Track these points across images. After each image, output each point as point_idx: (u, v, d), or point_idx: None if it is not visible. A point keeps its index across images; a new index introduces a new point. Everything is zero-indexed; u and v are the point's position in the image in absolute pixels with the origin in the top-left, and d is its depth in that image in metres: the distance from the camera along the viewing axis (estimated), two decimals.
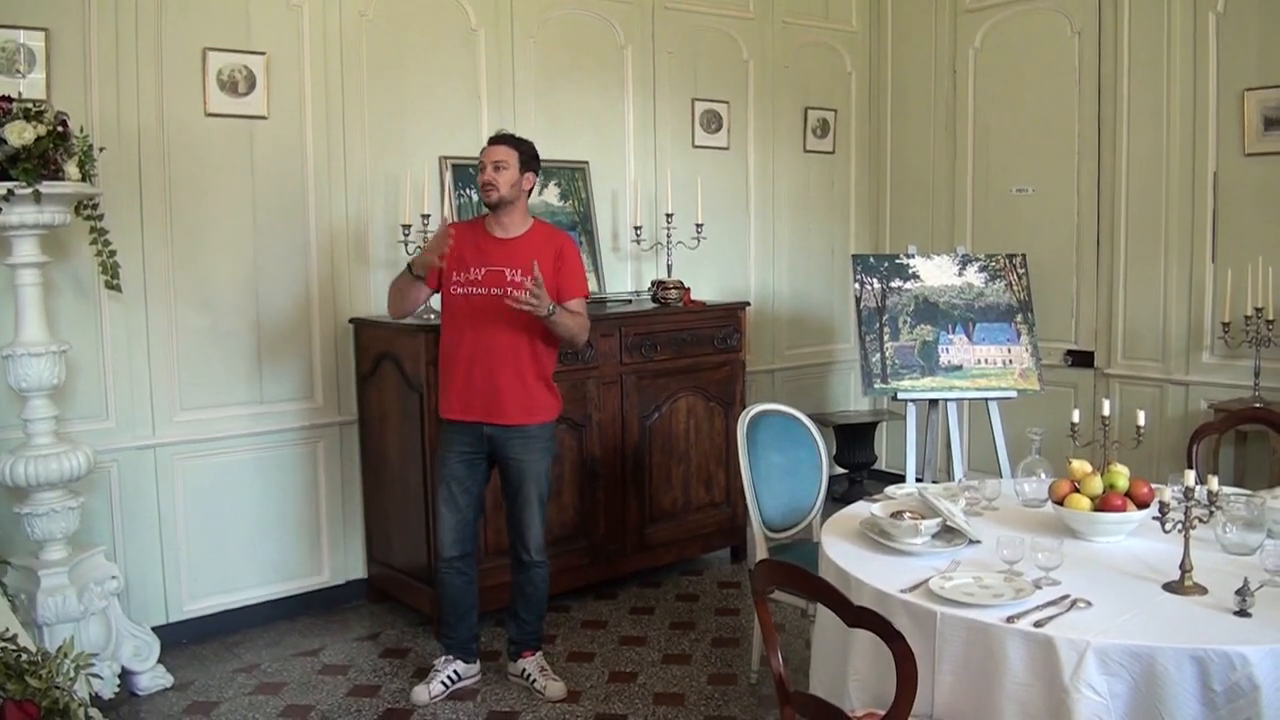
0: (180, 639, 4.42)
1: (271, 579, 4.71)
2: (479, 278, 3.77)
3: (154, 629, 4.14)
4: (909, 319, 4.93)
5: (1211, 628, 2.35)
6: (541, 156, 5.23)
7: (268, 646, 4.49)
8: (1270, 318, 4.72)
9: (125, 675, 3.96)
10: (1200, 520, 2.62)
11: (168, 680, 4.07)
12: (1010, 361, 4.88)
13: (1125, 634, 2.32)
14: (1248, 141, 4.97)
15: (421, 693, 3.92)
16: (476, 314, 3.76)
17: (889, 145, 6.65)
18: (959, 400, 4.98)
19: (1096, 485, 3.00)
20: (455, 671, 3.99)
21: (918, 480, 4.73)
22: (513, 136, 3.88)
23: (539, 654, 4.08)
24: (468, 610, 4.01)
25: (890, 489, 3.53)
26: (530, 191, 3.92)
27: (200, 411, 4.48)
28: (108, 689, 3.80)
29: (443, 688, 3.94)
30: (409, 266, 3.78)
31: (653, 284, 5.36)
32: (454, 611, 4.00)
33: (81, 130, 3.68)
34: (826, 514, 3.53)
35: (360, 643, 4.52)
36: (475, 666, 4.07)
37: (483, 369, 3.77)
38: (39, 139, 3.44)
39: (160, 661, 4.07)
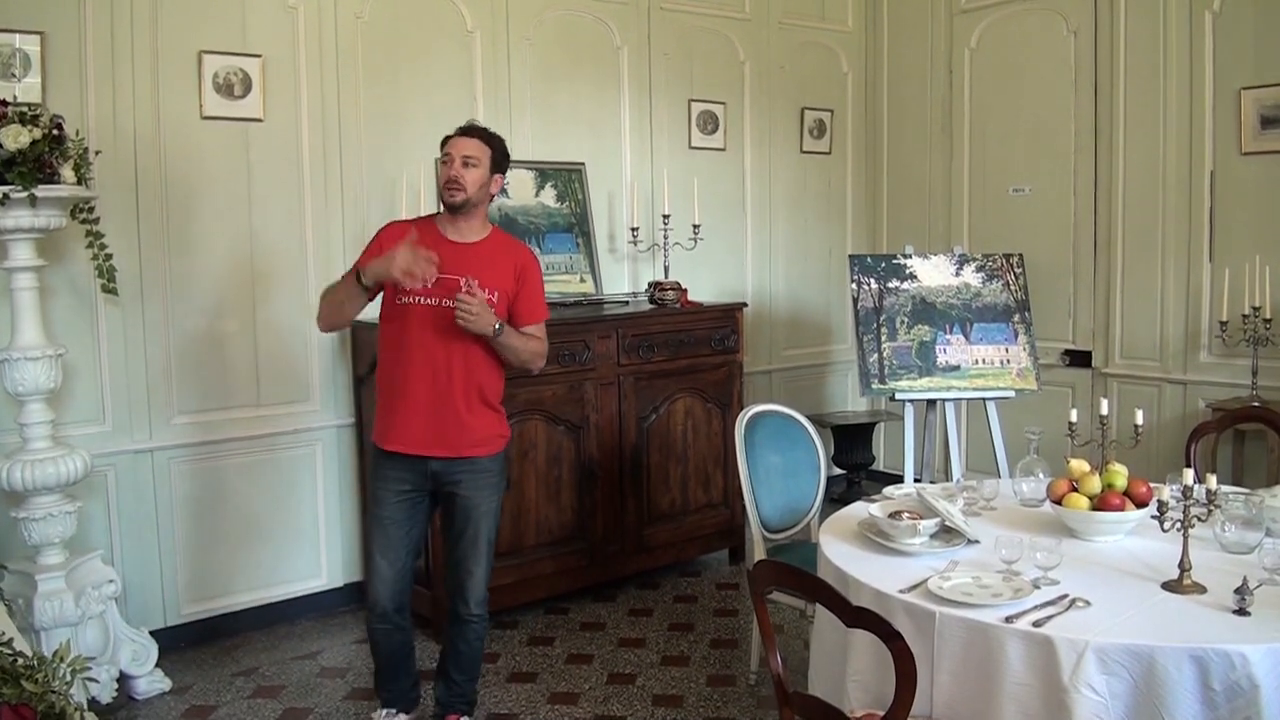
0: (178, 643, 4.41)
1: (269, 582, 4.70)
2: (429, 284, 3.27)
3: (152, 633, 4.13)
4: (906, 319, 4.93)
5: (1211, 627, 2.35)
6: (537, 158, 5.30)
7: (266, 650, 4.48)
8: (1268, 317, 4.72)
9: (123, 679, 3.95)
10: (1199, 519, 2.61)
11: (166, 684, 4.07)
12: (1008, 361, 4.88)
13: (1124, 633, 2.32)
14: (1244, 140, 4.97)
15: None
16: (426, 328, 3.30)
17: (885, 145, 6.65)
18: (957, 400, 4.98)
19: (1095, 484, 2.99)
20: None
21: (916, 480, 4.73)
22: (486, 130, 3.43)
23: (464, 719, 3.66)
24: (405, 659, 3.62)
25: (888, 489, 3.53)
26: (495, 196, 3.50)
27: (197, 415, 4.47)
28: (106, 693, 3.79)
29: None
30: (357, 275, 3.25)
31: (650, 285, 5.36)
32: (390, 666, 3.59)
33: (77, 134, 3.67)
34: (825, 515, 3.53)
35: (359, 645, 4.50)
36: (416, 712, 3.69)
37: (434, 393, 3.33)
38: (34, 142, 3.43)
39: (158, 665, 4.06)
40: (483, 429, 3.42)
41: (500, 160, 3.41)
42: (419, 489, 3.44)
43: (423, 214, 4.63)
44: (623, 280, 5.70)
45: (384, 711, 3.64)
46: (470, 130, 3.41)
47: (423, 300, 3.30)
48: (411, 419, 3.36)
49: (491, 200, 3.50)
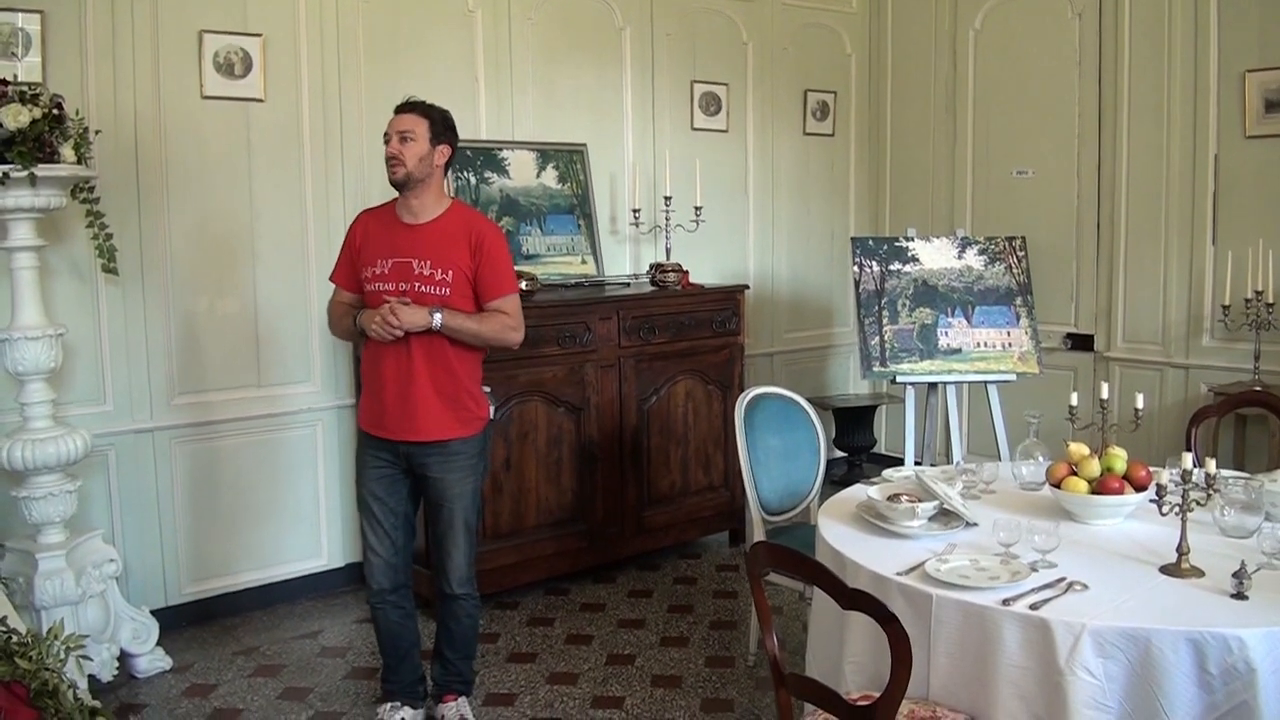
0: (179, 622, 4.43)
1: (270, 562, 4.72)
2: (385, 271, 3.33)
3: (153, 612, 4.15)
4: (908, 302, 4.92)
5: (1208, 610, 2.35)
6: (539, 139, 5.29)
7: (267, 629, 4.50)
8: (1270, 301, 4.70)
9: (124, 658, 3.97)
10: (1198, 503, 2.61)
11: (166, 663, 4.09)
12: (1009, 344, 4.87)
13: (1121, 617, 2.32)
14: (1249, 124, 4.95)
15: None
16: None
17: (889, 127, 6.62)
18: (958, 383, 4.97)
19: (1094, 468, 2.99)
20: (403, 719, 3.57)
21: (917, 463, 4.73)
22: (422, 104, 3.39)
23: (461, 700, 3.63)
24: (409, 649, 3.58)
25: (887, 472, 3.52)
26: (447, 168, 3.44)
27: (198, 395, 4.48)
28: (106, 671, 3.81)
29: None
30: (355, 320, 3.39)
31: (651, 267, 5.35)
32: (394, 652, 3.56)
33: (77, 113, 3.66)
34: (825, 497, 3.53)
35: (359, 625, 4.52)
36: (422, 711, 3.64)
37: (394, 377, 3.34)
38: (34, 122, 3.43)
39: (159, 644, 4.09)
40: (452, 412, 3.39)
41: (441, 131, 3.37)
42: (396, 467, 3.45)
43: None
44: (624, 262, 5.69)
45: (387, 705, 3.59)
46: (405, 106, 3.39)
47: (381, 286, 3.34)
48: (380, 403, 3.40)
49: (446, 173, 3.47)
